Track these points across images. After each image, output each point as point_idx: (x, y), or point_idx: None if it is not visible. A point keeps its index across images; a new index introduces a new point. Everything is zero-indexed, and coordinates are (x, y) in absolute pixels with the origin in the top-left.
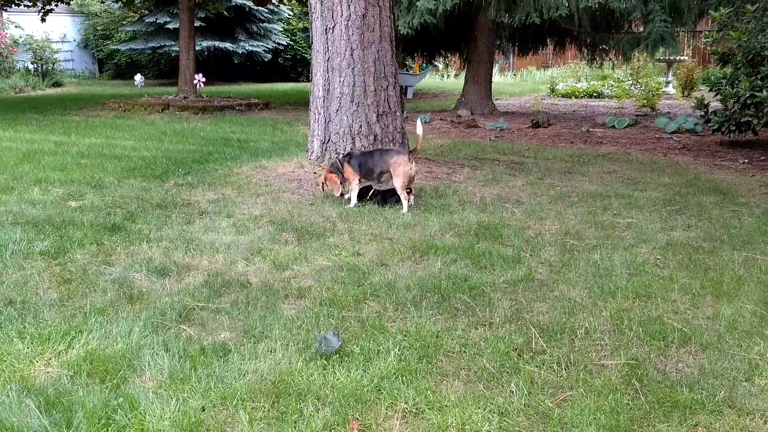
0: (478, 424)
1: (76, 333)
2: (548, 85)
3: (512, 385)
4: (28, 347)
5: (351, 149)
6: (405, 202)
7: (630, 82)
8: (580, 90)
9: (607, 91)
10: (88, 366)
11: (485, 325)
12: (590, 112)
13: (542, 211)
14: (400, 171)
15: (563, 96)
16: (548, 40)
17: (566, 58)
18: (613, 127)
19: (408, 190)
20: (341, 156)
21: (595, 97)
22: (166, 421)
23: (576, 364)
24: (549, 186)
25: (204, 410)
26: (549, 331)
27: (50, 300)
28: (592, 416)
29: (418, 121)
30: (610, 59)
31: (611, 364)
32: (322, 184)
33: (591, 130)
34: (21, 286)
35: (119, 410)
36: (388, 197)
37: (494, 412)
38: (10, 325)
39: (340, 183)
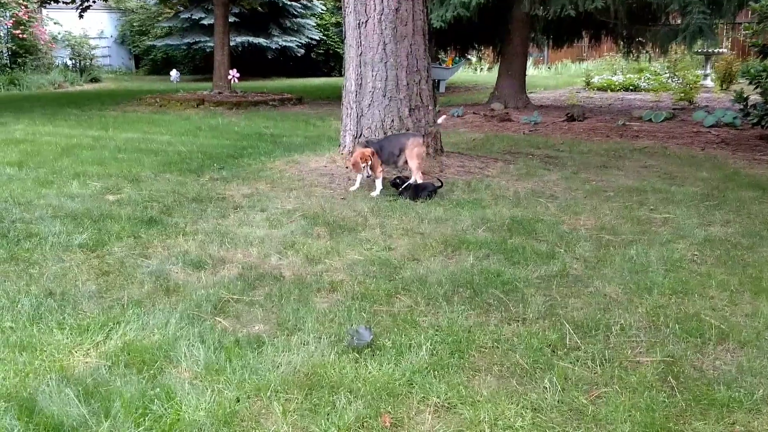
0: (511, 419)
1: (114, 324)
2: (583, 78)
3: (546, 381)
4: (67, 338)
5: (367, 138)
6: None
7: (667, 74)
8: (616, 83)
9: (644, 84)
10: (125, 357)
11: (518, 321)
12: (626, 106)
13: (577, 205)
14: (414, 153)
15: (599, 89)
16: (583, 33)
17: (602, 51)
18: (650, 120)
19: None
20: (363, 142)
21: (632, 90)
22: (201, 412)
23: (611, 361)
24: (584, 180)
25: (239, 401)
26: (583, 328)
27: (89, 292)
28: (627, 413)
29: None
30: (646, 52)
31: (647, 361)
32: (360, 164)
33: (627, 123)
34: (60, 278)
35: (156, 400)
36: (420, 192)
37: (527, 408)
38: (50, 316)
39: (370, 166)
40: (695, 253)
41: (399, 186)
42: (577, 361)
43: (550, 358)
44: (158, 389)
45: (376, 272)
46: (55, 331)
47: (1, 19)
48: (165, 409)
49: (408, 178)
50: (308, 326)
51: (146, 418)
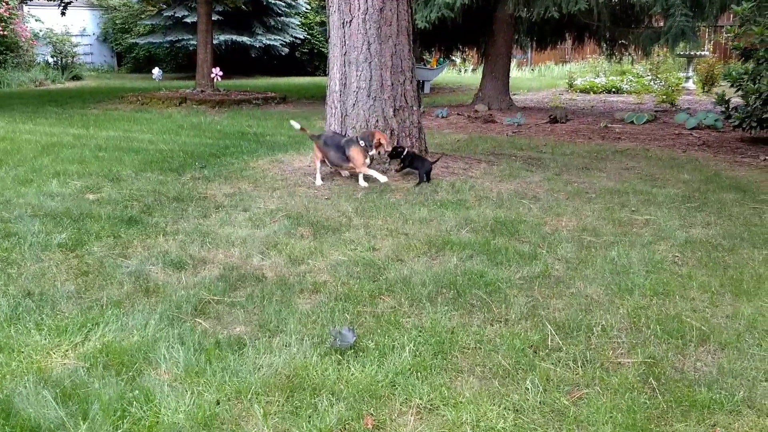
0: (493, 420)
1: (92, 325)
2: (566, 80)
3: (527, 382)
4: (45, 339)
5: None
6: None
7: (649, 77)
8: (599, 85)
9: (626, 86)
10: (104, 358)
11: (501, 322)
12: (609, 108)
13: (559, 207)
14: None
15: (581, 91)
16: (567, 35)
17: (585, 53)
18: (632, 122)
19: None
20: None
21: (614, 92)
22: (181, 414)
23: (592, 362)
24: (566, 182)
25: (219, 404)
26: (565, 329)
27: (67, 292)
28: (609, 414)
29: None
30: (629, 54)
31: (628, 362)
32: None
33: (609, 125)
34: (39, 278)
35: (135, 403)
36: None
37: (509, 409)
38: (28, 317)
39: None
40: (676, 254)
41: (399, 156)
42: (559, 362)
43: (532, 359)
44: (137, 391)
45: (359, 273)
46: (33, 331)
47: None
48: (144, 411)
49: (403, 147)
50: (290, 327)
51: (125, 421)
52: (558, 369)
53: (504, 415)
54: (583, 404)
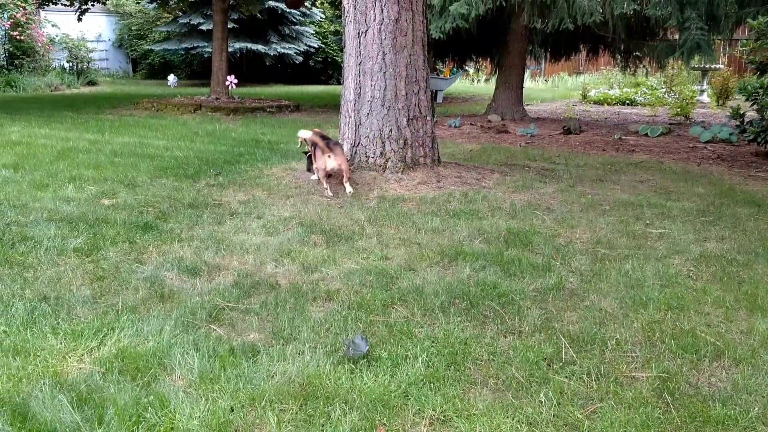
0: None
1: (108, 330)
2: (580, 92)
3: (541, 395)
4: (61, 343)
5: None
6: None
7: (664, 89)
8: (613, 97)
9: (640, 98)
10: (119, 363)
11: (514, 334)
12: (623, 120)
13: (573, 219)
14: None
15: (595, 102)
16: (581, 46)
17: (599, 65)
18: (646, 135)
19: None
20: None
21: (628, 104)
22: (195, 421)
23: (606, 376)
24: (580, 194)
25: (233, 411)
26: (579, 342)
27: (83, 297)
28: (623, 429)
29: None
30: (644, 66)
31: (642, 376)
32: None
33: (623, 137)
34: (55, 282)
35: (150, 408)
36: None
37: (523, 422)
38: (44, 321)
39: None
40: (691, 268)
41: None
42: (573, 375)
43: (546, 372)
44: (152, 397)
45: (372, 282)
46: (49, 335)
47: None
48: (159, 417)
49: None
50: (304, 336)
51: (140, 426)
52: (572, 382)
53: (518, 427)
54: (597, 418)
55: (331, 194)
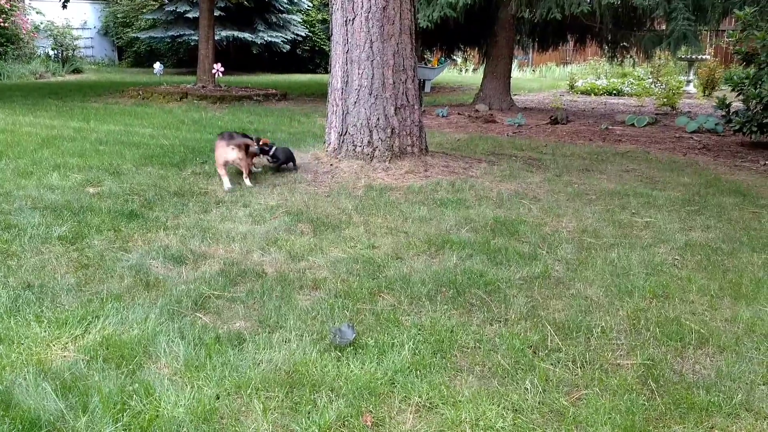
0: (492, 420)
1: (92, 318)
2: (567, 82)
3: (527, 382)
4: (45, 331)
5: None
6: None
7: (650, 80)
8: (600, 87)
9: (627, 88)
10: (104, 351)
11: (500, 322)
12: (610, 110)
13: (559, 208)
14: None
15: (582, 93)
16: (569, 36)
17: (586, 55)
18: (633, 125)
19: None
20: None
21: (615, 94)
22: (180, 408)
23: (591, 363)
24: (567, 183)
25: (218, 398)
26: (564, 329)
27: (67, 285)
28: (607, 415)
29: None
30: (631, 57)
31: (627, 363)
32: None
33: (610, 127)
34: (39, 270)
35: (135, 396)
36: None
37: (508, 409)
38: (27, 309)
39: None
40: (676, 257)
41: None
42: (558, 362)
43: (532, 359)
44: (137, 385)
45: (359, 270)
46: (32, 323)
47: None
48: (144, 405)
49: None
50: (290, 324)
51: (125, 414)
52: (557, 369)
53: (503, 414)
54: (582, 405)
55: (230, 186)
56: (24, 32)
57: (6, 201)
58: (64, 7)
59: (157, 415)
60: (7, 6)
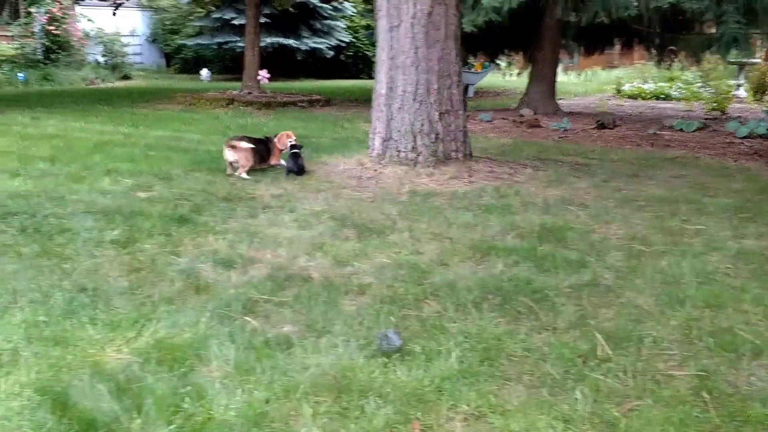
0: (542, 430)
1: (145, 321)
2: (614, 86)
3: (577, 392)
4: (99, 333)
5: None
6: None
7: (699, 84)
8: (647, 91)
9: (675, 93)
10: (156, 354)
11: (549, 330)
12: (657, 114)
13: (608, 214)
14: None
15: (629, 97)
16: (615, 40)
17: (632, 59)
18: (681, 130)
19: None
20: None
21: (662, 98)
22: (232, 411)
23: (643, 374)
24: (615, 189)
25: (268, 402)
26: (615, 339)
27: (120, 288)
28: (660, 427)
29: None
30: (679, 60)
31: (680, 374)
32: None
33: (658, 132)
34: (93, 274)
35: (187, 398)
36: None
37: (558, 419)
38: (82, 312)
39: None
40: (728, 265)
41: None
42: (609, 372)
43: (582, 369)
44: (189, 387)
45: (404, 276)
46: (87, 326)
47: (36, 15)
48: (196, 407)
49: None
50: (337, 329)
51: (178, 416)
52: (608, 380)
53: (553, 425)
54: (634, 416)
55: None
56: (75, 39)
57: (60, 205)
58: (114, 14)
59: (210, 418)
60: (60, 14)
